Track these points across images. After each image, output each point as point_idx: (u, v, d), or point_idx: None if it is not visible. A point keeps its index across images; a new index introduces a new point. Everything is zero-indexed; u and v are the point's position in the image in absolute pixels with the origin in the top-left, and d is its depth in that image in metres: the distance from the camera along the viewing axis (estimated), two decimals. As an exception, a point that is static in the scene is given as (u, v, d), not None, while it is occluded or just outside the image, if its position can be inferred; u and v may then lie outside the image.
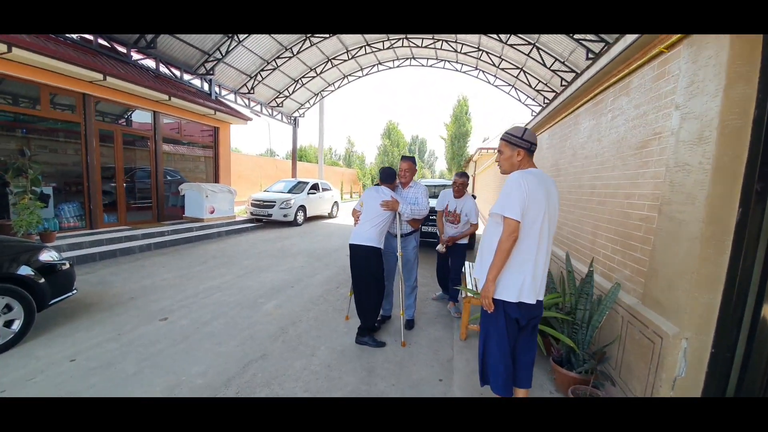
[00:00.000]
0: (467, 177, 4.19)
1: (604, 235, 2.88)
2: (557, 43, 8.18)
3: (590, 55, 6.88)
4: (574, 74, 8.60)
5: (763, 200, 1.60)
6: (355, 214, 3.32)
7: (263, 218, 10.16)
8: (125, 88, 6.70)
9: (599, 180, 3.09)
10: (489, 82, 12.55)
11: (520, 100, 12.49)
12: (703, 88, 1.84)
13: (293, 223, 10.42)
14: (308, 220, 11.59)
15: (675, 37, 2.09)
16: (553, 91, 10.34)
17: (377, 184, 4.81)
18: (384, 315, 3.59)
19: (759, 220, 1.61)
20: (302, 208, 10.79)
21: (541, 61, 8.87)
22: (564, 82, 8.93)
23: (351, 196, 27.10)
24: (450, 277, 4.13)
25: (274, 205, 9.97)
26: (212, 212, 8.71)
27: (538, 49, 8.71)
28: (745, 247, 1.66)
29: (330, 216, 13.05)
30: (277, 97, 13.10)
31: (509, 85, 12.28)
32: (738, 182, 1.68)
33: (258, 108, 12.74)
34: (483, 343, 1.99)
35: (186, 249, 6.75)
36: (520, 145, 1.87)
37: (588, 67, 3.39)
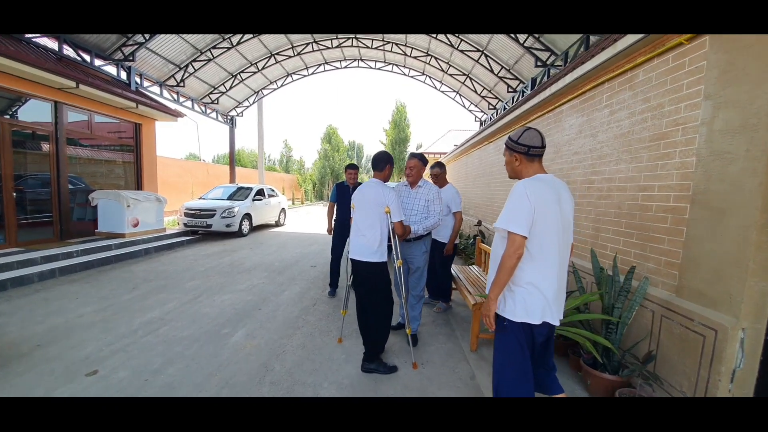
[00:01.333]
0: (442, 167, 4.11)
1: (612, 229, 2.87)
2: (504, 51, 8.61)
3: (538, 63, 7.32)
4: (518, 81, 9.17)
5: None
6: (348, 222, 2.87)
7: (200, 230, 8.84)
8: (15, 70, 5.16)
9: (598, 174, 3.10)
10: (435, 88, 12.85)
11: (463, 106, 13.03)
12: (742, 77, 1.83)
13: (238, 234, 9.27)
14: (254, 229, 10.47)
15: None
16: (497, 97, 10.94)
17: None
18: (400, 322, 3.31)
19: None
20: (248, 216, 9.68)
21: (488, 67, 9.27)
22: (510, 89, 9.46)
23: (293, 203, 25.68)
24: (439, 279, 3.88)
25: (214, 214, 8.74)
26: (136, 225, 7.24)
27: (486, 56, 9.09)
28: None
29: (277, 224, 12.01)
30: (211, 93, 11.66)
31: (454, 91, 12.72)
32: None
33: (189, 104, 11.18)
34: (499, 371, 1.71)
35: (104, 273, 5.42)
36: (515, 150, 1.69)
37: (577, 65, 3.42)
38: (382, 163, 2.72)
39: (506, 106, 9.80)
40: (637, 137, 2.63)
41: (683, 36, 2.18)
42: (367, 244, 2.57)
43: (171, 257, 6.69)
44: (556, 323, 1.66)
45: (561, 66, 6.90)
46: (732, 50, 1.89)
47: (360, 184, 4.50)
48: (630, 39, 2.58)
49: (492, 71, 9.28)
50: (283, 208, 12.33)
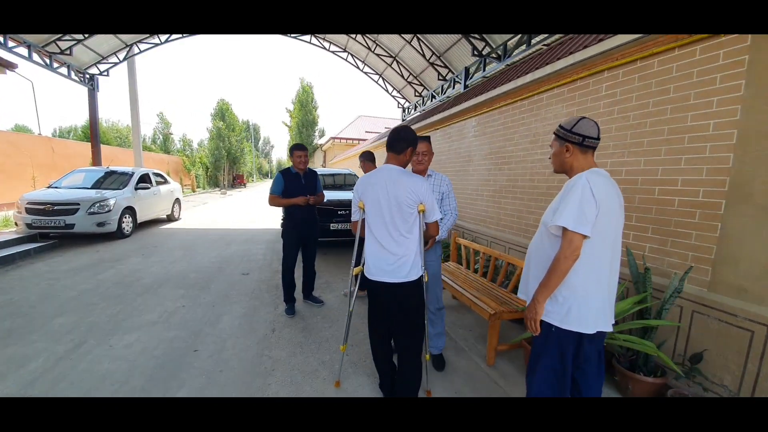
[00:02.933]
0: (372, 158, 4.01)
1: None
2: (437, 36, 8.46)
3: (475, 53, 7.36)
4: (448, 70, 9.20)
5: None
6: (356, 227, 2.11)
7: (55, 232, 6.32)
8: None
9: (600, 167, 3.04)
10: (357, 67, 12.09)
11: (386, 90, 12.67)
12: (800, 72, 1.81)
13: (116, 235, 6.98)
14: (138, 227, 8.12)
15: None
16: (423, 84, 10.89)
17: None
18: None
19: None
20: (129, 210, 7.39)
21: (420, 51, 9.04)
22: (440, 77, 9.45)
23: (183, 191, 21.47)
24: None
25: (77, 210, 6.32)
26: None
27: (418, 39, 8.79)
28: None
29: (170, 219, 9.64)
30: (59, 39, 8.32)
31: (377, 73, 12.21)
32: None
33: (24, 51, 7.75)
34: (531, 383, 1.62)
35: None
36: (568, 139, 1.54)
37: (576, 50, 3.28)
38: (403, 143, 1.90)
39: (434, 95, 9.80)
40: (651, 130, 2.59)
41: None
42: (400, 259, 1.87)
43: (13, 277, 4.48)
44: (610, 329, 1.55)
45: (495, 58, 7.05)
46: (786, 44, 1.87)
47: (311, 171, 3.64)
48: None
49: (423, 56, 9.07)
50: (177, 199, 9.96)
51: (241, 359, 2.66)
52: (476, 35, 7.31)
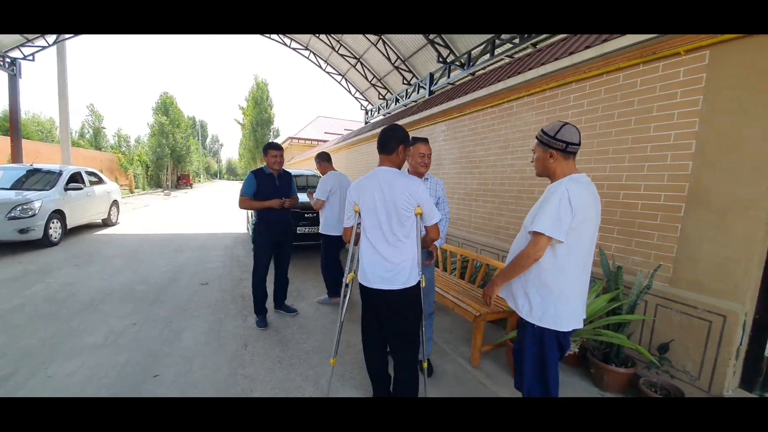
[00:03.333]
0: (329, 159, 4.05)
1: (586, 225, 3.03)
2: (403, 41, 8.54)
3: (440, 59, 7.53)
4: (412, 74, 9.32)
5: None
6: (350, 233, 1.99)
7: (-42, 241, 5.29)
8: None
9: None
10: (320, 66, 11.82)
11: (349, 91, 12.52)
12: (740, 87, 2.06)
13: (43, 243, 6.03)
14: (68, 232, 7.11)
15: (697, 43, 2.27)
16: (386, 88, 10.94)
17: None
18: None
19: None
20: (58, 213, 6.43)
21: (385, 54, 9.06)
22: (405, 81, 9.54)
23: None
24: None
25: (-11, 214, 5.35)
26: None
27: (384, 42, 8.80)
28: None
29: (107, 223, 8.58)
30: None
31: (340, 74, 12.03)
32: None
33: None
34: (554, 385, 1.64)
35: None
36: (552, 146, 1.58)
37: (547, 61, 3.45)
38: (394, 143, 1.83)
39: (398, 98, 9.88)
40: (616, 139, 2.79)
41: (682, 47, 2.34)
42: (398, 265, 1.79)
43: None
44: (581, 326, 1.63)
45: (459, 65, 7.27)
46: (730, 64, 2.11)
47: (285, 172, 3.43)
48: (619, 43, 2.68)
49: (388, 59, 9.11)
50: (115, 201, 8.90)
51: (212, 381, 2.39)
52: (440, 42, 7.49)
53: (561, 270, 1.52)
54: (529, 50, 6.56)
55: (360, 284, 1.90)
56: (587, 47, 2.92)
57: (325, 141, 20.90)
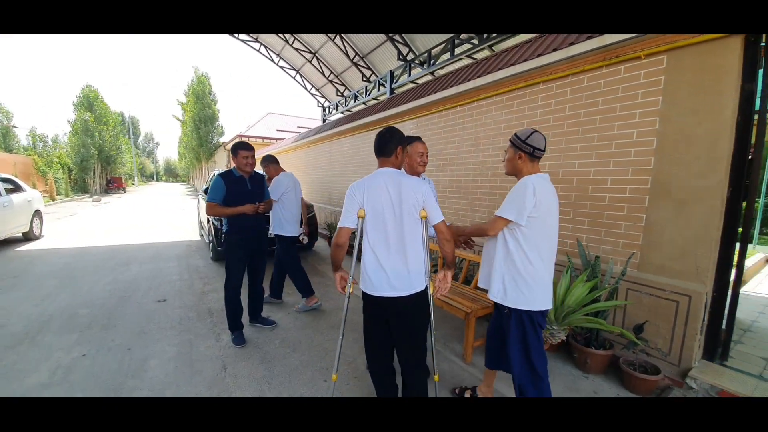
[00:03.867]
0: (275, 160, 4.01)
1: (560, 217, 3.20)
2: (360, 36, 8.41)
3: (400, 57, 7.55)
4: (371, 72, 9.22)
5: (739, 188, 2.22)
6: (346, 235, 1.82)
7: None
8: None
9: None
10: (272, 60, 11.23)
11: (304, 87, 12.07)
12: (696, 90, 2.30)
13: (-58, 267, 5.00)
14: (-23, 252, 5.99)
15: (655, 48, 2.48)
16: (344, 84, 10.72)
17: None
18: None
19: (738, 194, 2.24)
20: (-38, 231, 5.37)
21: (343, 50, 8.86)
22: (364, 78, 9.42)
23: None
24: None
25: None
26: None
27: (342, 38, 8.59)
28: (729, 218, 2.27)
29: (28, 237, 7.37)
30: None
31: (294, 69, 11.53)
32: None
33: None
34: (529, 364, 1.85)
35: None
36: (521, 148, 1.83)
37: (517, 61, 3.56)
38: (392, 144, 1.80)
39: (357, 95, 9.74)
40: (583, 137, 2.98)
41: (642, 52, 2.55)
42: (410, 270, 1.73)
43: None
44: (550, 306, 1.88)
45: (420, 64, 7.34)
46: (684, 68, 2.34)
47: (257, 174, 3.17)
48: (584, 47, 2.84)
49: (347, 55, 8.91)
50: (37, 211, 7.68)
51: (193, 412, 2.13)
52: (400, 40, 7.49)
53: (528, 255, 1.76)
54: (486, 53, 6.82)
55: (364, 293, 1.80)
56: (554, 50, 3.07)
57: (278, 139, 20.01)
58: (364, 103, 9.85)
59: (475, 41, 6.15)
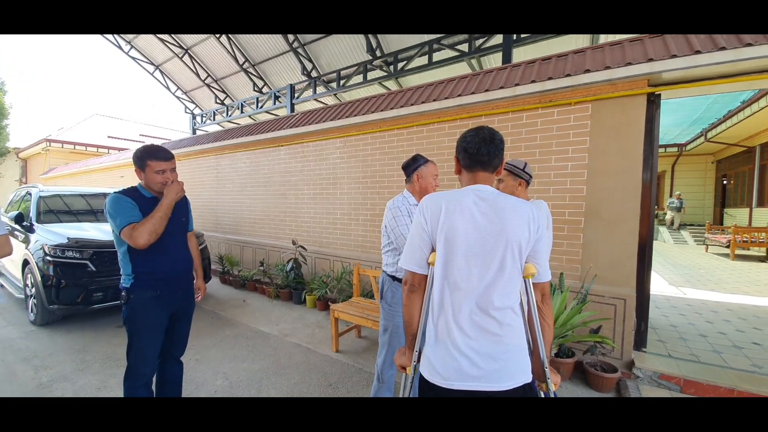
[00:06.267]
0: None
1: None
2: (252, 42, 7.55)
3: (304, 72, 7.12)
4: (264, 83, 8.33)
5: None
6: (423, 283, 1.20)
7: None
8: None
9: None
10: (118, 47, 8.75)
11: (167, 87, 9.82)
12: (614, 133, 2.94)
13: None
14: None
15: (580, 98, 3.06)
16: (225, 92, 9.36)
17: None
18: None
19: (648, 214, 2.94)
20: None
21: (231, 52, 7.72)
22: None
23: None
24: None
25: None
26: None
27: (228, 37, 7.47)
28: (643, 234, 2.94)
29: None
30: None
31: (153, 64, 9.29)
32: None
33: None
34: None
35: None
36: (521, 176, 2.01)
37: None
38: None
39: (244, 105, 8.57)
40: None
41: (572, 99, 3.10)
42: (501, 346, 1.08)
43: None
44: None
45: (325, 83, 7.11)
46: (605, 115, 2.97)
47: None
48: (524, 89, 3.26)
49: (235, 58, 7.79)
50: None
51: None
52: (303, 54, 7.09)
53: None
54: (394, 86, 7.15)
55: (425, 380, 1.12)
56: (501, 87, 3.41)
57: (111, 148, 15.64)
58: (250, 116, 8.77)
59: (389, 69, 6.38)
